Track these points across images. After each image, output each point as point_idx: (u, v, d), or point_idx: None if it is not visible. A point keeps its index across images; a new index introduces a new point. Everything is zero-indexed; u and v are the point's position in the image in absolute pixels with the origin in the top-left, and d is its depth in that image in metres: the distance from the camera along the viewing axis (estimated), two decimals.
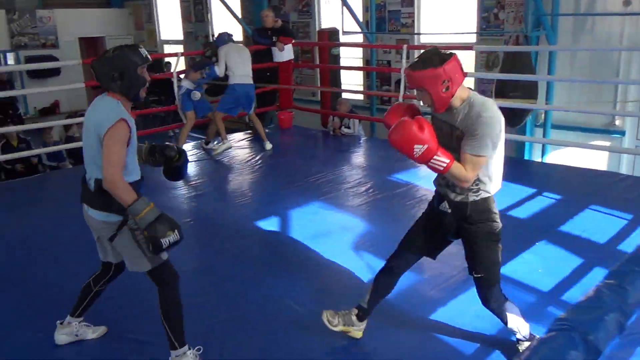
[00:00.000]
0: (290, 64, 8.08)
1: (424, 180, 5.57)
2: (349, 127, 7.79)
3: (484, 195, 2.51)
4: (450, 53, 2.35)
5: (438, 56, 2.31)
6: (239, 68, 6.44)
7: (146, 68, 2.58)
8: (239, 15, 11.07)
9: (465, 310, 3.18)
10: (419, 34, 8.78)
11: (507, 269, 3.63)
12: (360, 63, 9.66)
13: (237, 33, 11.54)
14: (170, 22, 13.89)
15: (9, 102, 12.00)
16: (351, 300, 2.99)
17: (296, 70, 9.74)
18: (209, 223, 4.70)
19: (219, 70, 6.44)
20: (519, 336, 2.75)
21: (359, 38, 9.40)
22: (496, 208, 2.59)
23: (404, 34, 8.90)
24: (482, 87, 7.94)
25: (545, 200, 4.99)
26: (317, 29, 10.06)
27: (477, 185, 2.48)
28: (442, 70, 2.28)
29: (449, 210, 2.57)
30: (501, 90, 7.20)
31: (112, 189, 2.42)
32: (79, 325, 2.93)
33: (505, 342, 2.88)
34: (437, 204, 2.64)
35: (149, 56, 2.58)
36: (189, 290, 3.16)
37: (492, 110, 2.36)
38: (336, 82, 9.06)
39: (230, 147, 6.73)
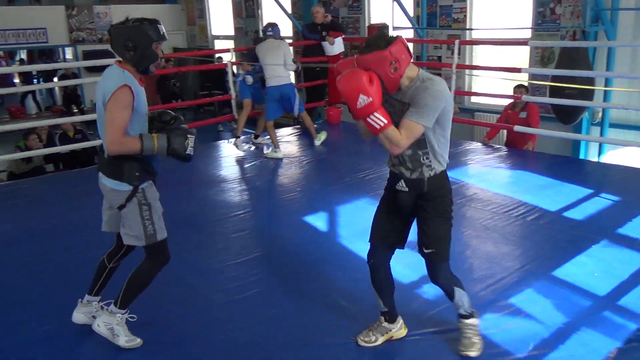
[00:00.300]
0: (340, 58, 8.06)
1: (475, 179, 5.48)
2: None
3: (437, 170, 2.56)
4: (397, 36, 2.42)
5: (384, 39, 2.38)
6: (269, 69, 6.25)
7: (161, 45, 2.64)
8: (289, 11, 11.11)
9: (517, 312, 3.11)
10: (471, 29, 8.60)
11: (561, 272, 3.56)
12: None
13: (287, 29, 11.60)
14: (221, 18, 14.07)
15: (74, 96, 12.50)
16: (398, 299, 2.95)
17: None
18: (257, 217, 4.74)
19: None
20: (462, 311, 2.77)
21: (410, 34, 9.28)
22: (450, 185, 2.64)
23: (455, 29, 8.75)
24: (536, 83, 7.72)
25: (602, 201, 4.82)
26: (367, 24, 10.00)
27: (429, 161, 2.53)
28: (389, 52, 2.35)
29: (406, 189, 2.59)
30: (556, 87, 6.99)
31: (118, 148, 2.52)
32: (97, 305, 2.98)
33: (560, 346, 2.80)
34: (393, 184, 2.65)
35: (166, 34, 2.63)
36: (243, 280, 3.21)
37: (439, 85, 2.43)
38: None
39: (281, 158, 6.40)
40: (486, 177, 5.57)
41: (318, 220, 4.57)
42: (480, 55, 8.64)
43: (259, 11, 12.50)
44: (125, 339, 2.79)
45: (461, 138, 7.55)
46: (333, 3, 10.77)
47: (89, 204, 5.04)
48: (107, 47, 10.63)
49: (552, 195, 4.95)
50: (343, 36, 8.01)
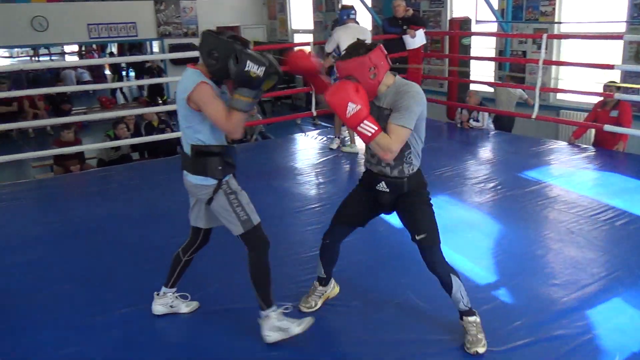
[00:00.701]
0: (419, 52, 7.94)
1: (559, 179, 5.26)
2: (477, 120, 7.52)
3: (415, 167, 2.70)
4: (375, 43, 2.55)
5: (364, 47, 2.50)
6: None
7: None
8: (369, 4, 11.05)
9: (603, 322, 2.97)
10: (559, 22, 8.22)
11: None
12: (493, 54, 9.26)
13: (367, 22, 11.54)
14: (301, 12, 14.20)
15: (159, 88, 13.07)
16: (473, 300, 2.89)
17: (424, 61, 9.55)
18: (332, 211, 4.74)
19: (327, 48, 6.10)
20: (461, 307, 2.76)
21: (493, 27, 9.00)
22: (424, 178, 2.80)
23: (543, 23, 8.39)
24: (629, 80, 7.28)
25: None
26: (449, 18, 9.78)
27: (410, 160, 2.66)
28: (368, 59, 2.46)
29: (387, 190, 2.71)
30: None
31: (239, 131, 2.62)
32: (173, 296, 3.11)
33: None
34: (373, 184, 2.75)
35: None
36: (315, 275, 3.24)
37: (416, 88, 2.56)
38: (465, 73, 8.78)
39: (357, 153, 6.34)
40: (571, 178, 5.33)
41: (393, 217, 4.52)
42: (567, 49, 8.25)
43: (339, 5, 12.52)
44: (297, 327, 2.81)
45: (544, 136, 7.26)
46: None
47: (173, 192, 5.27)
48: (192, 40, 11.03)
49: (634, 196, 4.67)
50: (424, 30, 7.88)
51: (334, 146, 6.56)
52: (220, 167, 2.72)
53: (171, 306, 3.12)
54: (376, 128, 2.46)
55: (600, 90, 6.41)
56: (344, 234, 2.99)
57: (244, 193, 2.82)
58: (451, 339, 2.84)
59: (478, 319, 2.79)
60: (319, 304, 3.15)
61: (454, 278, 2.71)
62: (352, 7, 6.34)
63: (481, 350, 2.70)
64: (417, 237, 2.68)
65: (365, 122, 2.45)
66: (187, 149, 2.75)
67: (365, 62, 2.47)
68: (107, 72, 18.56)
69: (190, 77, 2.66)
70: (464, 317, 2.79)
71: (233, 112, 2.60)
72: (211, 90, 2.63)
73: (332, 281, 3.21)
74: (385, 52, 2.56)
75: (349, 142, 6.39)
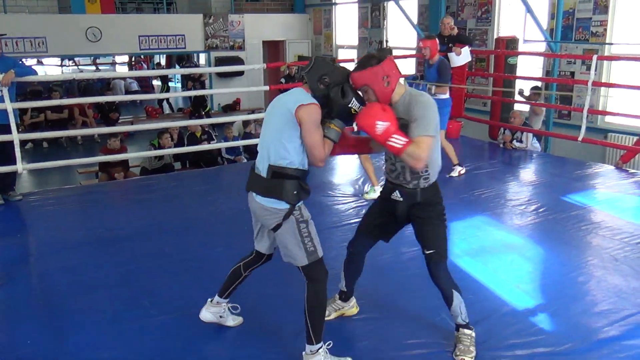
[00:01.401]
0: (464, 70, 7.87)
1: (604, 204, 5.11)
2: (520, 141, 7.39)
3: (431, 180, 2.78)
4: (385, 54, 2.68)
5: (375, 58, 2.63)
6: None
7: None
8: (415, 21, 11.03)
9: None
10: (610, 44, 8.02)
11: None
12: (540, 74, 9.10)
13: (412, 39, 11.53)
14: (346, 28, 14.29)
15: (202, 100, 13.34)
16: (504, 324, 2.81)
17: (468, 79, 9.46)
18: None
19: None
20: (459, 321, 2.89)
21: (541, 47, 8.84)
22: (441, 192, 2.85)
23: (593, 44, 8.20)
24: None
25: None
26: (495, 36, 9.68)
27: (427, 171, 2.74)
28: (381, 68, 2.59)
29: (401, 199, 2.80)
30: None
31: (321, 164, 2.64)
32: (226, 306, 3.10)
33: None
34: (389, 194, 2.86)
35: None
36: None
37: (427, 96, 2.66)
38: (510, 93, 8.64)
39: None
40: (617, 203, 5.16)
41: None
42: (617, 71, 8.03)
43: (385, 22, 12.54)
44: None
45: (590, 160, 7.06)
46: (461, 14, 10.54)
47: (213, 202, 5.37)
48: (237, 54, 11.22)
49: None
50: (470, 48, 7.82)
51: (375, 196, 5.30)
52: (295, 192, 2.63)
53: (220, 316, 3.12)
54: (406, 140, 2.54)
55: None
56: (365, 245, 3.05)
57: (313, 223, 2.74)
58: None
59: (473, 334, 2.92)
60: (332, 316, 3.18)
61: (455, 293, 2.85)
62: None
63: (468, 359, 2.83)
64: (426, 252, 2.81)
65: (395, 135, 2.53)
66: (262, 169, 2.66)
67: (378, 71, 2.59)
68: (155, 82, 19.04)
69: (303, 94, 2.62)
70: (460, 329, 2.92)
71: (326, 141, 2.62)
72: (318, 116, 2.59)
73: (353, 300, 3.25)
74: (395, 62, 2.68)
75: (372, 186, 5.61)
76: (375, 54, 2.70)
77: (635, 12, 7.88)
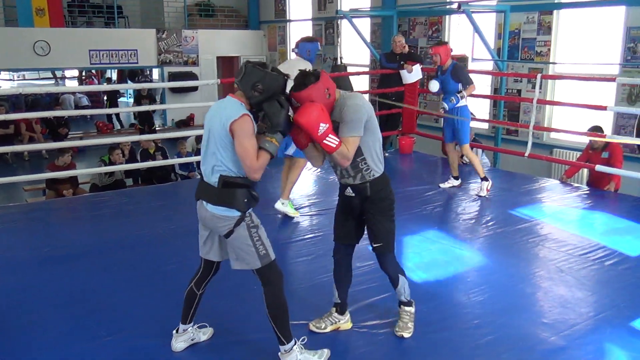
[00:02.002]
0: (416, 87, 8.03)
1: (550, 217, 5.27)
2: None
3: (376, 174, 2.98)
4: (317, 70, 2.86)
5: (312, 75, 2.78)
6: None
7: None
8: (368, 39, 11.21)
9: None
10: (554, 63, 8.35)
11: None
12: (488, 91, 9.38)
13: (365, 57, 11.70)
14: None
15: (148, 116, 13.07)
16: (455, 334, 2.86)
17: (420, 96, 9.66)
18: (324, 242, 4.74)
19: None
20: (402, 299, 3.19)
21: (489, 66, 9.13)
22: (391, 188, 3.06)
23: (537, 63, 8.52)
24: (621, 122, 7.37)
25: None
26: None
27: (367, 166, 2.94)
28: (322, 83, 2.77)
29: (353, 194, 3.02)
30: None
31: (260, 172, 2.66)
32: (194, 329, 3.06)
33: None
34: (343, 191, 3.08)
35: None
36: (305, 308, 3.21)
37: (356, 98, 2.88)
38: None
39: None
40: (562, 216, 5.34)
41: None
42: (562, 89, 8.37)
43: (339, 39, 12.70)
44: (318, 358, 2.87)
45: (537, 174, 7.30)
46: (413, 33, 10.78)
47: (168, 218, 5.28)
48: (191, 69, 11.18)
49: (634, 239, 4.69)
50: (421, 66, 8.00)
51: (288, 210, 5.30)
52: (246, 200, 2.70)
53: (192, 339, 3.06)
54: (338, 140, 2.77)
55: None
56: (342, 251, 3.18)
57: (263, 228, 2.82)
58: None
59: (413, 310, 3.23)
60: (329, 329, 3.24)
61: (401, 277, 3.14)
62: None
63: (406, 335, 3.16)
64: (374, 245, 3.08)
65: (330, 136, 2.73)
66: (212, 179, 2.72)
67: (320, 87, 2.76)
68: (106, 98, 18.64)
69: (234, 106, 2.67)
70: (402, 306, 3.21)
71: (262, 153, 2.64)
72: (252, 126, 2.64)
73: (348, 314, 3.31)
74: (327, 75, 2.85)
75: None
76: (308, 72, 2.80)
77: (576, 33, 8.25)
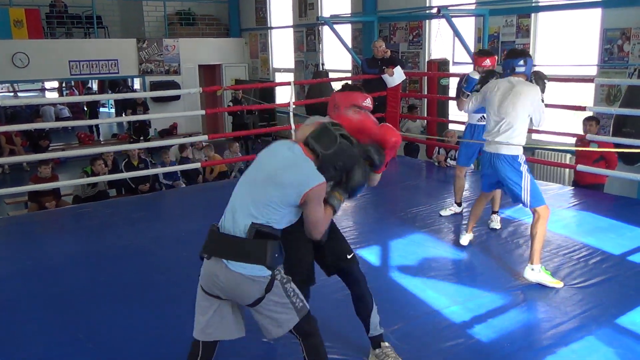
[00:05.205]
0: (398, 91, 8.06)
1: None
2: (455, 159, 7.62)
3: None
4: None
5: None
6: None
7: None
8: (350, 45, 11.27)
9: None
10: (534, 65, 8.45)
11: (626, 320, 3.39)
12: None
13: (347, 63, 11.76)
14: (282, 52, 14.43)
15: (143, 126, 12.92)
16: (442, 338, 2.87)
17: (403, 100, 9.71)
18: None
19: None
20: (374, 332, 2.88)
21: (470, 69, 9.21)
22: None
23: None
24: (601, 122, 7.47)
25: None
26: (427, 59, 10.01)
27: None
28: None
29: None
30: (617, 126, 6.77)
31: (318, 236, 2.39)
32: None
33: None
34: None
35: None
36: None
37: None
38: (444, 113, 8.93)
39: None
40: None
41: (371, 254, 4.53)
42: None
43: (320, 45, 12.75)
44: None
45: None
46: (394, 38, 10.86)
47: (153, 228, 5.23)
48: (173, 78, 11.13)
49: (616, 238, 4.74)
50: (404, 70, 8.05)
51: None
52: (277, 255, 2.26)
53: None
54: None
55: (574, 131, 6.56)
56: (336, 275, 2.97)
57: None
58: None
59: (388, 343, 2.93)
60: None
61: (374, 308, 2.88)
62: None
63: None
64: (348, 257, 2.83)
65: None
66: (239, 227, 2.24)
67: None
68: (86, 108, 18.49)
69: (310, 168, 2.28)
70: (381, 343, 2.90)
71: (327, 209, 2.37)
72: (324, 194, 2.33)
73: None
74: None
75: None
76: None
77: (554, 35, 8.37)
